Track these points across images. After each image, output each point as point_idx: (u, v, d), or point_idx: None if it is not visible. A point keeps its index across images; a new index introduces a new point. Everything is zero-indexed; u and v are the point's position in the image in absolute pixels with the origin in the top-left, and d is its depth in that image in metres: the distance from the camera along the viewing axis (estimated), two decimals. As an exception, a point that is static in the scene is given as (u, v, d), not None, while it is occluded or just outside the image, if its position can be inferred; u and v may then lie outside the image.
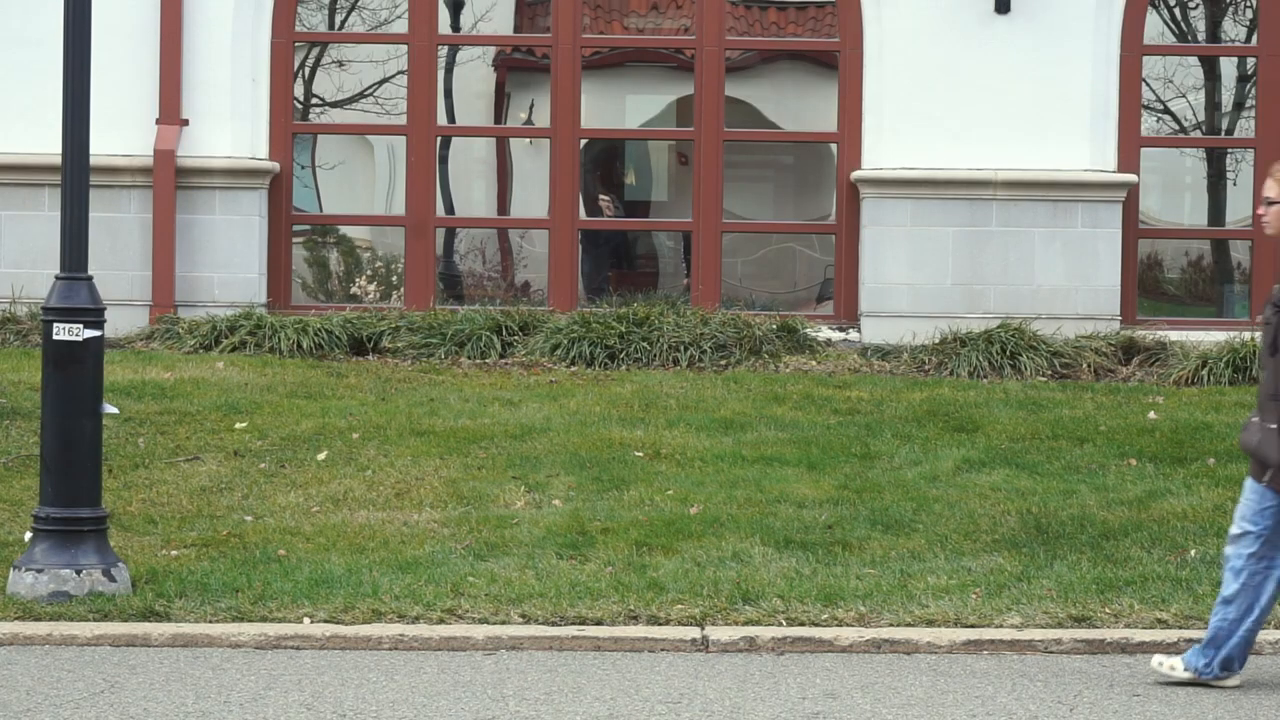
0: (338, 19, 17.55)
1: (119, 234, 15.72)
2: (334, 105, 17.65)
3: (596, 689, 8.32)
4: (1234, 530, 8.31)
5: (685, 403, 13.49)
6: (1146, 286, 16.95)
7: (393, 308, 16.16)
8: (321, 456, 12.05)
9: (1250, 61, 16.94)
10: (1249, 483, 8.26)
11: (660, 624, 9.26)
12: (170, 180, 15.71)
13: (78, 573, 9.46)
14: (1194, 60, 17.27)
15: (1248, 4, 17.17)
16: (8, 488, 11.25)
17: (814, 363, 15.09)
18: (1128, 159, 16.18)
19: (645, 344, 14.88)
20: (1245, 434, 8.24)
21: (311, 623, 9.21)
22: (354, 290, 16.98)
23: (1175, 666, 8.46)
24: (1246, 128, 17.04)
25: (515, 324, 15.23)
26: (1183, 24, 17.43)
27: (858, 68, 16.23)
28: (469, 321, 15.22)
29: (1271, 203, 8.20)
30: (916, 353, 15.23)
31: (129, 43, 15.76)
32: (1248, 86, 17.07)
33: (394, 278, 16.94)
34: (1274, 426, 8.05)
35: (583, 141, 16.86)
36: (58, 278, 9.70)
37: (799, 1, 18.35)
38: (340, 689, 8.24)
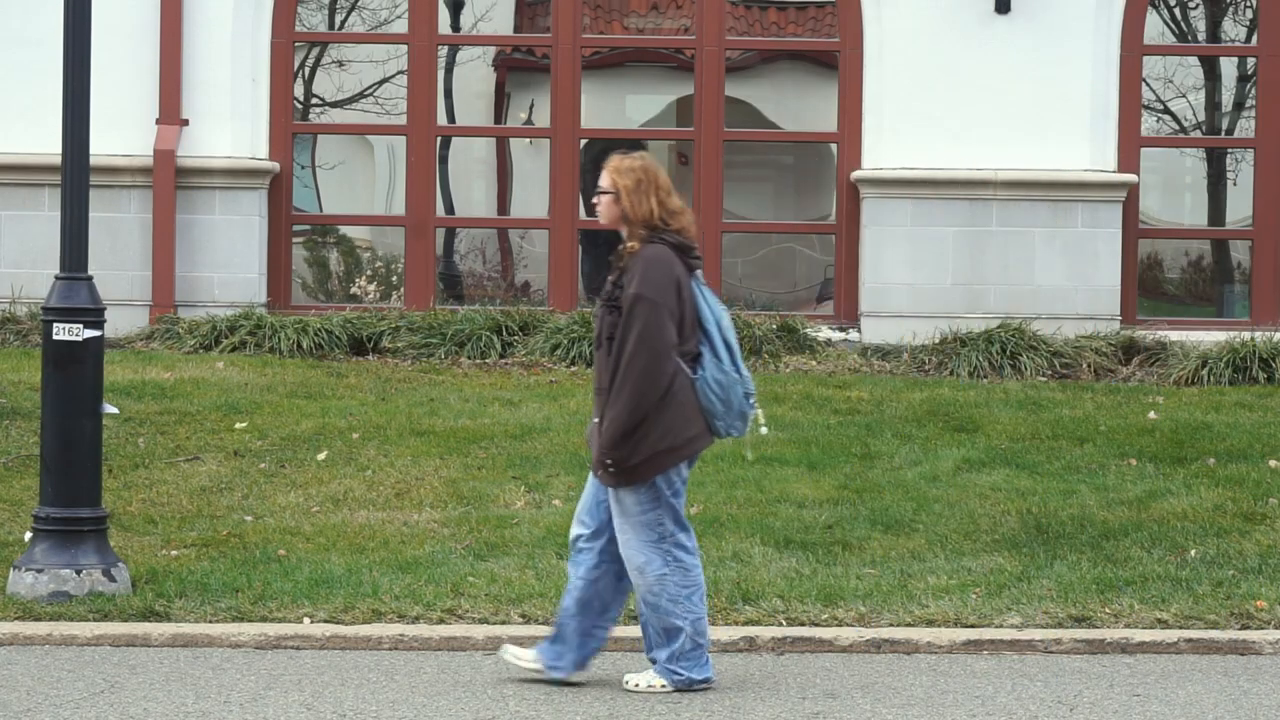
0: (338, 19, 17.55)
1: (119, 234, 15.72)
2: (334, 105, 17.65)
3: (596, 689, 8.32)
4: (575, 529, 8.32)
5: (685, 403, 13.47)
6: (1146, 286, 16.94)
7: (393, 308, 16.16)
8: (321, 456, 12.05)
9: (1250, 61, 16.94)
10: (590, 477, 8.27)
11: (660, 624, 9.25)
12: (170, 180, 15.71)
13: (78, 573, 9.47)
14: (1194, 60, 17.27)
15: (1248, 4, 17.17)
16: (8, 488, 11.25)
17: (814, 363, 15.09)
18: (1128, 159, 16.18)
19: (645, 344, 14.85)
20: (588, 429, 8.28)
21: (311, 623, 9.21)
22: (354, 290, 16.98)
23: (522, 656, 8.38)
24: (1246, 128, 17.04)
25: (515, 324, 15.23)
26: (1183, 24, 17.43)
27: (858, 68, 16.23)
28: (469, 321, 15.21)
29: (604, 192, 8.26)
30: (916, 353, 15.23)
31: (129, 43, 15.76)
32: (1248, 86, 17.07)
33: (394, 278, 16.94)
34: (597, 420, 8.06)
35: (583, 141, 16.86)
36: (58, 278, 9.70)
37: (799, 1, 18.35)
38: (340, 689, 8.24)
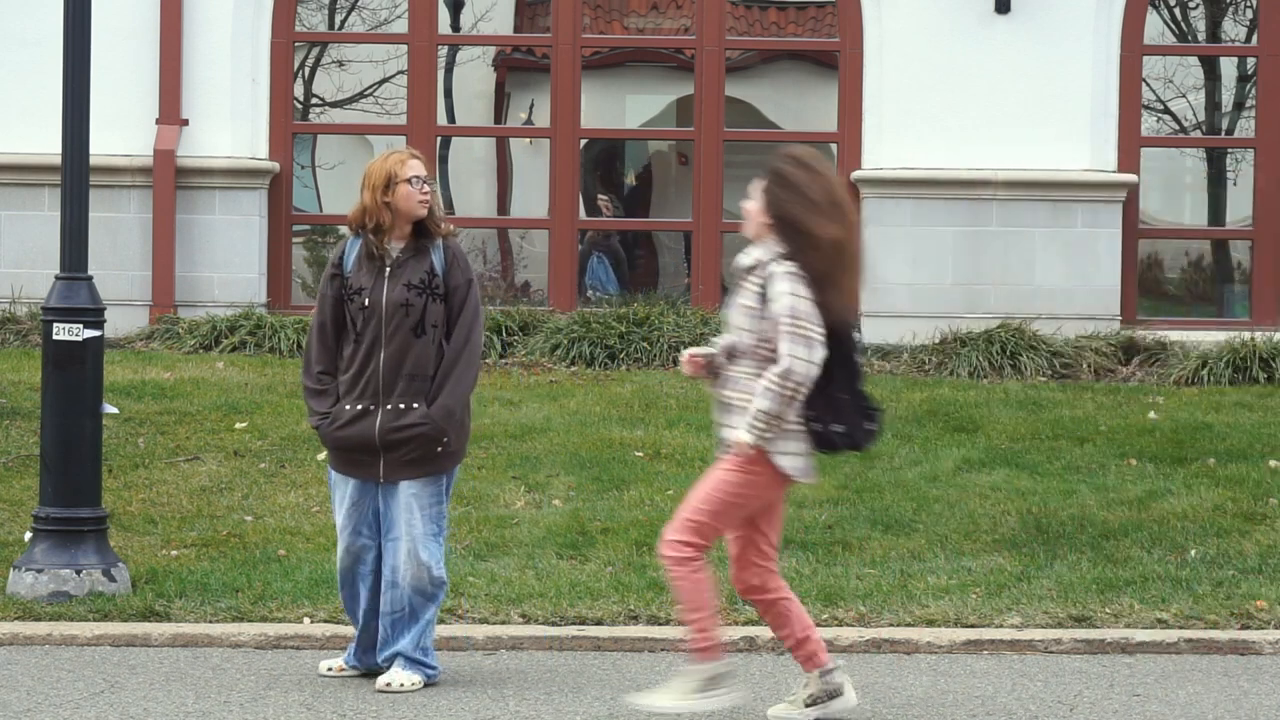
0: (338, 19, 17.55)
1: (119, 234, 15.72)
2: (334, 105, 17.65)
3: (596, 689, 8.32)
4: None
5: (685, 403, 13.49)
6: (1146, 286, 16.93)
7: (393, 308, 16.12)
8: (321, 456, 12.04)
9: (1250, 61, 16.93)
10: (350, 486, 8.30)
11: (660, 624, 9.27)
12: (170, 180, 15.71)
13: (78, 573, 9.47)
14: (1194, 60, 17.27)
15: (1248, 4, 17.17)
16: (8, 488, 11.25)
17: (814, 363, 15.07)
18: (1128, 159, 16.17)
19: (645, 344, 14.88)
20: (374, 422, 8.25)
21: (311, 623, 9.22)
22: (354, 290, 16.95)
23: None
24: (1246, 128, 17.04)
25: (515, 324, 15.22)
26: (1183, 24, 17.43)
27: (858, 67, 16.23)
28: (469, 321, 15.18)
29: (425, 181, 8.28)
30: (916, 353, 15.23)
31: (129, 43, 15.75)
32: (1248, 86, 17.07)
33: (394, 278, 16.91)
34: (416, 406, 8.14)
35: (583, 141, 16.86)
36: (58, 278, 9.70)
37: (799, 1, 18.35)
38: (340, 689, 8.24)
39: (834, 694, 7.64)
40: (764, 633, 9.11)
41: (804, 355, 7.35)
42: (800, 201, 7.45)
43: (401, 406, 8.13)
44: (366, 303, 8.20)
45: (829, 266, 7.45)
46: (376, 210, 8.21)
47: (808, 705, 7.65)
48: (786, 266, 7.43)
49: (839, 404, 7.48)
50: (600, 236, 18.00)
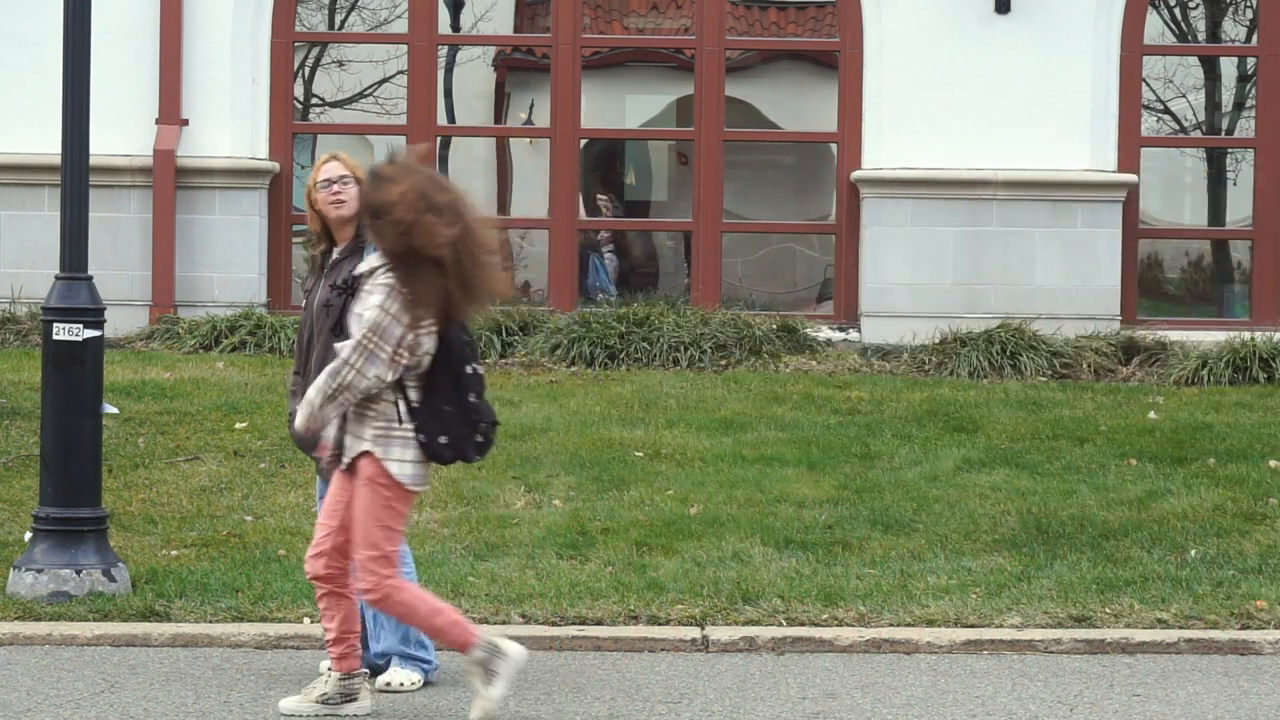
0: (338, 19, 17.55)
1: (119, 234, 15.71)
2: (334, 105, 17.65)
3: (596, 689, 8.32)
4: None
5: (685, 403, 13.49)
6: (1146, 286, 16.93)
7: (393, 308, 16.12)
8: (321, 456, 12.04)
9: (1250, 61, 16.93)
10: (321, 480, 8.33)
11: (660, 624, 9.27)
12: (170, 180, 15.71)
13: (78, 573, 9.47)
14: (1194, 60, 17.27)
15: (1248, 4, 17.17)
16: (8, 488, 11.25)
17: (814, 363, 15.08)
18: (1128, 159, 16.17)
19: (645, 344, 14.87)
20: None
21: (311, 623, 9.21)
22: (354, 290, 16.96)
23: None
24: (1246, 128, 17.04)
25: (515, 324, 15.22)
26: (1183, 24, 17.43)
27: (858, 68, 16.22)
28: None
29: (349, 180, 8.27)
30: (916, 353, 15.22)
31: (129, 43, 15.75)
32: (1248, 86, 17.07)
33: (394, 278, 16.92)
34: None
35: (583, 141, 16.86)
36: (58, 278, 9.70)
37: (799, 1, 18.35)
38: (340, 689, 8.23)
39: (350, 698, 7.76)
40: (764, 633, 9.11)
41: (358, 366, 7.39)
42: (405, 210, 7.39)
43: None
44: (304, 304, 8.39)
45: (432, 282, 7.40)
46: (309, 217, 8.36)
47: (319, 701, 7.76)
48: (386, 279, 7.44)
49: (444, 416, 7.51)
50: (594, 238, 17.99)
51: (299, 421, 7.58)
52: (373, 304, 7.45)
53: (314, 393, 7.50)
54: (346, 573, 7.67)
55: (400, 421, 7.50)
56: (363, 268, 7.62)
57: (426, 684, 8.26)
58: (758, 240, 18.55)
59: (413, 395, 7.52)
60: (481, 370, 7.69)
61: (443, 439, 7.51)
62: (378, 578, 7.51)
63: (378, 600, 7.55)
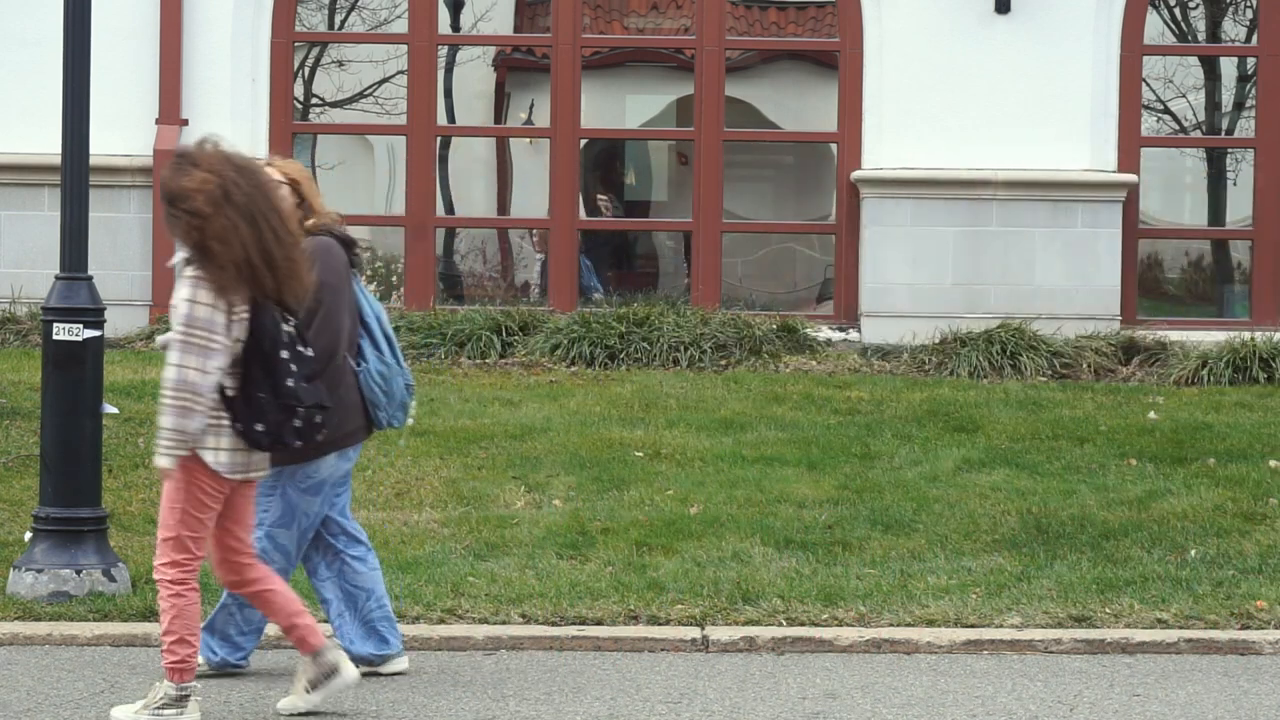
0: (338, 19, 17.56)
1: (119, 234, 15.72)
2: (334, 105, 17.65)
3: (596, 689, 8.32)
4: None
5: (685, 403, 13.49)
6: (1146, 286, 16.94)
7: (393, 307, 16.13)
8: (321, 456, 12.03)
9: (1250, 61, 16.93)
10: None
11: (660, 624, 9.27)
12: (170, 180, 15.69)
13: (78, 573, 9.46)
14: (1194, 60, 17.27)
15: (1248, 4, 17.17)
16: (8, 488, 11.25)
17: (814, 363, 15.09)
18: (1128, 159, 16.17)
19: (645, 344, 14.87)
20: None
21: (311, 623, 9.20)
22: (354, 290, 16.96)
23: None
24: (1246, 128, 17.04)
25: (515, 324, 15.22)
26: (1183, 24, 17.44)
27: (858, 68, 16.23)
28: (469, 321, 15.21)
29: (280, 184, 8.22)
30: (916, 353, 15.23)
31: (129, 43, 15.76)
32: (1248, 86, 17.07)
33: (394, 278, 16.94)
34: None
35: (583, 141, 16.86)
36: (58, 278, 9.70)
37: (799, 1, 18.36)
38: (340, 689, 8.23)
39: (331, 673, 7.75)
40: (764, 633, 9.11)
41: (196, 364, 7.32)
42: (202, 202, 7.32)
43: None
44: None
45: (238, 268, 7.33)
46: None
47: (308, 691, 7.77)
48: (191, 271, 7.37)
49: (257, 404, 7.46)
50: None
51: (164, 461, 7.41)
52: (182, 297, 7.36)
53: (167, 419, 7.33)
54: (252, 566, 7.67)
55: (217, 410, 7.43)
56: (176, 259, 7.49)
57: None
58: (758, 240, 18.56)
59: (228, 383, 7.45)
60: (308, 353, 7.60)
61: (259, 426, 7.46)
62: (166, 560, 7.51)
63: (164, 584, 7.52)
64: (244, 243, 7.32)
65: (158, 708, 7.49)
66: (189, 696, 7.52)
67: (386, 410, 8.30)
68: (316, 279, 7.79)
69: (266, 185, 7.54)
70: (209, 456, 7.46)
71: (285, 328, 7.53)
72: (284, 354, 7.50)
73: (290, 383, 7.49)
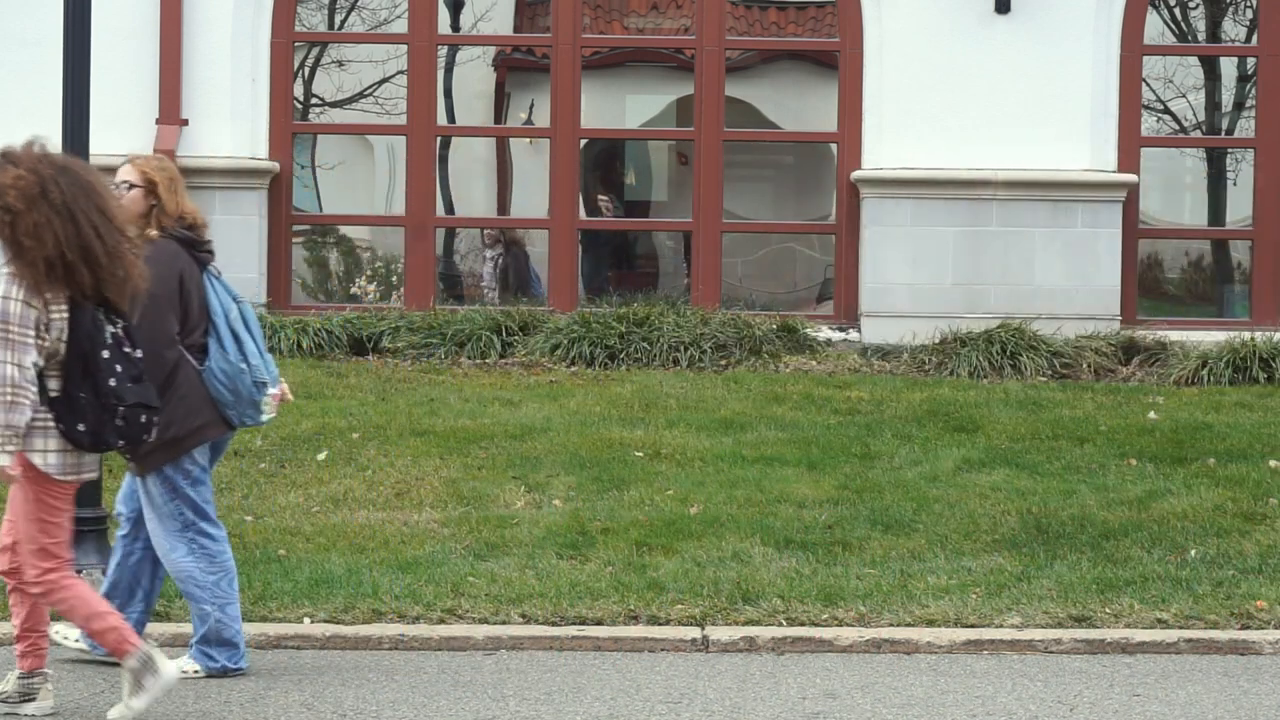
0: (337, 19, 17.56)
1: (119, 234, 15.69)
2: (334, 105, 17.65)
3: (596, 689, 8.32)
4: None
5: (685, 403, 13.49)
6: (1146, 286, 16.94)
7: (393, 308, 16.14)
8: (321, 456, 12.05)
9: (1250, 61, 16.93)
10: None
11: (660, 624, 9.27)
12: (170, 180, 15.68)
13: (77, 572, 9.44)
14: (1194, 60, 17.27)
15: (1248, 4, 17.17)
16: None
17: (814, 363, 15.09)
18: (1128, 159, 16.18)
19: (645, 344, 14.88)
20: None
21: (311, 623, 9.21)
22: (354, 290, 16.98)
23: (69, 636, 8.57)
24: (1246, 128, 17.04)
25: (515, 324, 15.23)
26: (1183, 24, 17.44)
27: (858, 68, 16.23)
28: (469, 321, 15.21)
29: (132, 186, 8.30)
30: (916, 353, 15.23)
31: (129, 43, 15.75)
32: (1248, 86, 17.07)
33: (394, 278, 16.94)
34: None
35: (583, 141, 16.86)
36: (58, 278, 9.69)
37: (799, 1, 18.35)
38: (340, 689, 8.24)
39: (28, 697, 7.75)
40: (764, 633, 9.12)
41: (13, 360, 7.29)
42: (15, 198, 7.30)
43: None
44: None
45: (49, 264, 7.29)
46: None
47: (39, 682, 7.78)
48: (7, 268, 7.35)
49: (79, 404, 7.44)
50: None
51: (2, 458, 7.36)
52: None
53: None
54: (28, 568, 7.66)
55: (40, 411, 7.40)
56: None
57: (209, 676, 8.35)
58: (758, 240, 18.56)
59: (52, 384, 7.43)
60: (135, 354, 7.56)
61: (80, 426, 7.43)
62: (38, 570, 7.50)
63: (41, 594, 7.53)
64: (59, 240, 7.31)
65: (136, 689, 7.48)
66: (149, 654, 7.50)
67: (235, 409, 8.34)
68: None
69: (92, 185, 7.52)
70: (38, 460, 7.43)
71: (110, 328, 7.51)
72: (105, 354, 7.47)
73: (113, 382, 7.46)
